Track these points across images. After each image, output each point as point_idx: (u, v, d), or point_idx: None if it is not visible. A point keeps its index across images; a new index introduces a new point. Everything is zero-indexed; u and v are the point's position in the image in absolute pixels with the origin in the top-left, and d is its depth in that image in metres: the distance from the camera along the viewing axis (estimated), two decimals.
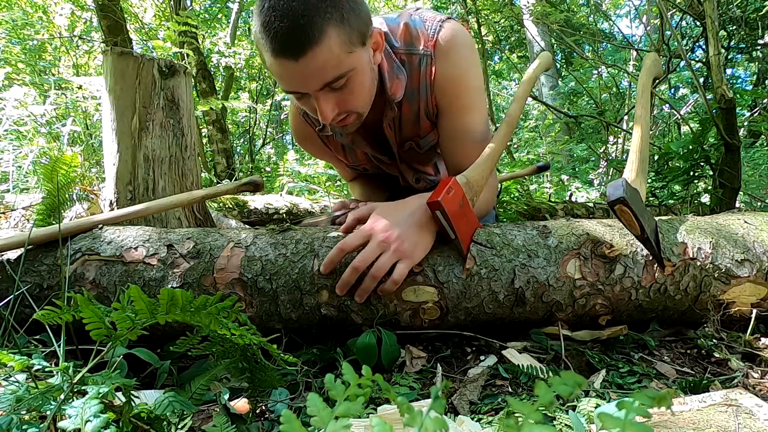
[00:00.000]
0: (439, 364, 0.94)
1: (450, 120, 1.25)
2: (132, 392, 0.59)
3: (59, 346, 0.79)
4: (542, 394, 0.33)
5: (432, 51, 1.18)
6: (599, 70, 5.61)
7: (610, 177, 4.48)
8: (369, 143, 1.37)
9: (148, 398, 0.74)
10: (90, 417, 0.49)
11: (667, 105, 4.44)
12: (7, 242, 0.96)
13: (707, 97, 2.41)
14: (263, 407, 0.79)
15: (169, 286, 0.94)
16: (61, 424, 0.50)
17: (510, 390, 0.84)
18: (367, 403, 0.74)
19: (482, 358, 0.97)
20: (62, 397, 0.55)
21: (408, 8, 1.31)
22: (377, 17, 1.20)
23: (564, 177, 5.23)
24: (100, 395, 0.53)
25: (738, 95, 2.56)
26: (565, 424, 0.68)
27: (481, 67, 1.28)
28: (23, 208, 1.85)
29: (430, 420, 0.34)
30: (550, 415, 0.71)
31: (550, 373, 0.88)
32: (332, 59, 0.96)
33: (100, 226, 1.05)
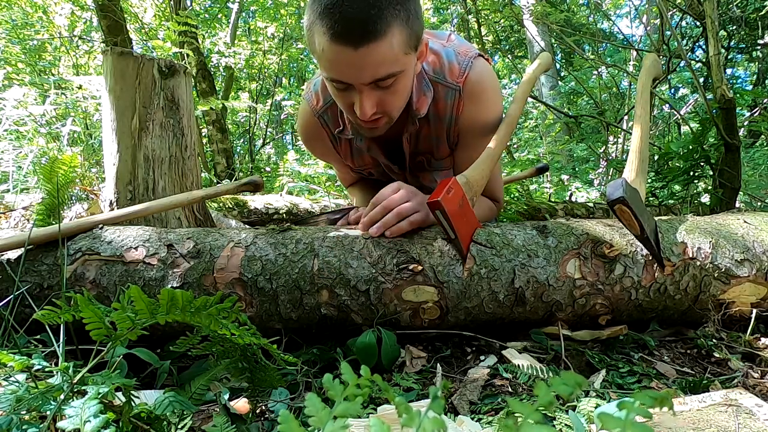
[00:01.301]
0: (439, 364, 0.94)
1: (470, 149, 1.29)
2: (132, 392, 0.59)
3: (59, 346, 0.79)
4: (542, 394, 0.33)
5: (461, 87, 1.22)
6: (599, 70, 5.61)
7: (610, 177, 4.47)
8: (383, 152, 1.37)
9: (148, 398, 0.74)
10: (89, 417, 0.49)
11: (667, 105, 4.44)
12: (7, 242, 0.96)
13: (707, 97, 2.41)
14: (263, 407, 0.79)
15: (169, 286, 0.94)
16: (60, 424, 0.50)
17: (510, 390, 0.84)
18: (366, 403, 0.74)
19: (482, 358, 0.97)
20: (62, 397, 0.55)
21: (446, 32, 1.33)
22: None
23: (564, 177, 5.23)
24: (100, 395, 0.53)
25: (738, 95, 2.56)
26: (565, 424, 0.68)
27: (502, 101, 1.35)
28: (23, 208, 1.85)
29: (428, 420, 0.34)
30: (550, 415, 0.71)
31: (550, 373, 0.88)
32: (390, 56, 0.97)
33: (100, 226, 1.05)
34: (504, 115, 1.27)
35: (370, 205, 1.05)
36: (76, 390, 0.57)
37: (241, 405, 0.76)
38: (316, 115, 1.37)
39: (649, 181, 2.49)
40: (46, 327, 0.82)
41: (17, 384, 0.58)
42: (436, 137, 1.30)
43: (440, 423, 0.34)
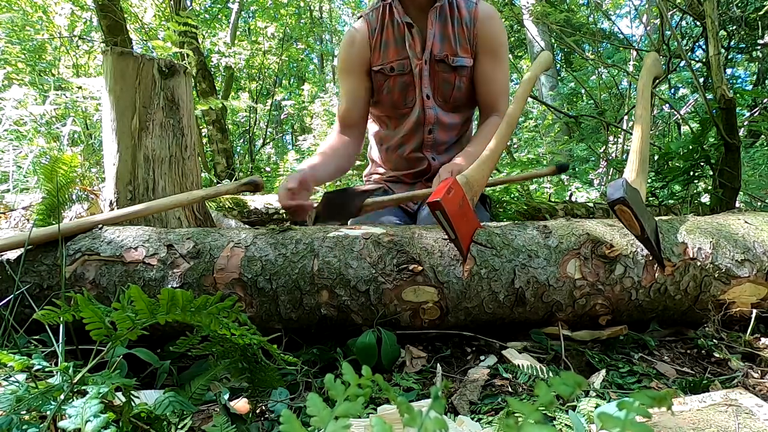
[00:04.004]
0: (439, 364, 0.94)
1: (487, 62, 1.55)
2: (132, 392, 0.59)
3: (59, 346, 0.79)
4: (542, 394, 0.33)
5: (477, 2, 1.56)
6: (599, 70, 5.60)
7: (610, 177, 4.47)
8: (411, 33, 1.53)
9: (148, 398, 0.74)
10: (90, 417, 0.49)
11: (667, 105, 4.44)
12: (7, 242, 0.96)
13: (707, 97, 2.41)
14: (263, 407, 0.79)
15: (169, 286, 0.94)
16: (61, 423, 0.50)
17: (510, 390, 0.84)
18: (367, 403, 0.74)
19: (482, 358, 0.97)
20: (62, 397, 0.55)
21: None
22: None
23: (564, 177, 5.22)
24: (100, 395, 0.53)
25: (738, 95, 2.56)
26: (565, 424, 0.68)
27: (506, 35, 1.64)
28: (23, 208, 1.85)
29: (429, 420, 0.34)
30: (550, 415, 0.71)
31: (550, 373, 0.88)
32: None
33: (99, 226, 1.05)
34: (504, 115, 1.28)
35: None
36: (76, 390, 0.57)
37: (241, 405, 0.76)
38: (362, 16, 1.63)
39: (649, 181, 2.49)
40: (46, 327, 0.82)
41: (17, 384, 0.58)
42: (459, 37, 1.54)
43: (442, 423, 0.34)
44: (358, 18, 1.65)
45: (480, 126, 1.63)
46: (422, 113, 1.59)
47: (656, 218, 1.08)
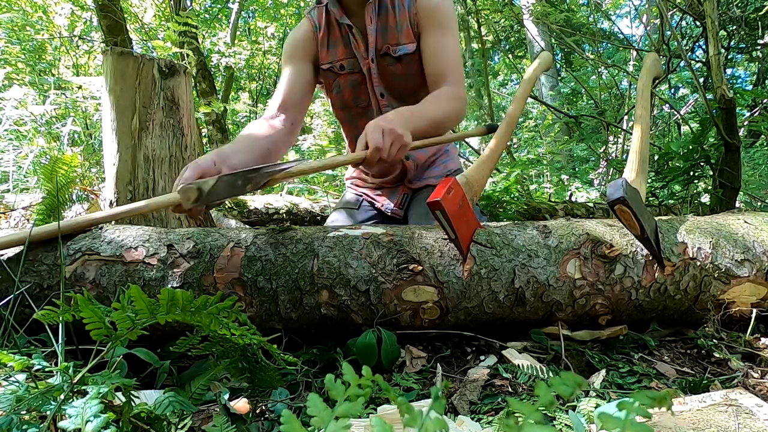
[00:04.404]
0: (439, 364, 0.94)
1: (430, 36, 1.45)
2: (132, 392, 0.59)
3: (59, 346, 0.79)
4: (542, 394, 0.33)
5: None
6: (599, 70, 5.60)
7: (610, 177, 4.47)
8: (352, 25, 1.47)
9: (148, 398, 0.74)
10: (90, 417, 0.49)
11: (667, 105, 4.44)
12: (7, 240, 0.96)
13: (707, 97, 2.41)
14: (263, 407, 0.79)
15: (169, 286, 0.94)
16: (61, 423, 0.50)
17: (510, 390, 0.84)
18: (366, 404, 0.74)
19: (482, 358, 0.97)
20: (62, 397, 0.55)
21: None
22: None
23: (564, 177, 5.23)
24: (100, 395, 0.53)
25: (738, 95, 2.56)
26: (565, 424, 0.68)
27: (453, 6, 1.56)
28: (23, 208, 1.85)
29: (430, 420, 0.34)
30: (550, 415, 0.71)
31: (550, 373, 0.88)
32: None
33: (99, 226, 1.05)
34: (504, 115, 1.27)
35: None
36: (76, 390, 0.57)
37: (241, 405, 0.76)
38: (306, 14, 1.57)
39: (649, 181, 2.49)
40: (46, 327, 0.82)
41: (17, 384, 0.58)
42: (401, 23, 1.46)
43: (442, 424, 0.34)
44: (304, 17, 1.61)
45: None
46: (379, 113, 1.52)
47: (656, 218, 1.08)
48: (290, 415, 0.36)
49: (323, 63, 1.54)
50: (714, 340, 1.01)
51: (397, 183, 1.66)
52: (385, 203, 1.66)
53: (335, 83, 1.54)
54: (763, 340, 1.04)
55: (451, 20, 1.48)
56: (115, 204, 1.39)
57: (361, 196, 1.73)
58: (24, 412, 0.55)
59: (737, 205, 2.43)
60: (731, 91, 2.01)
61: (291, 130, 1.47)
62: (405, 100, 1.49)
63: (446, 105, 1.38)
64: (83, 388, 0.56)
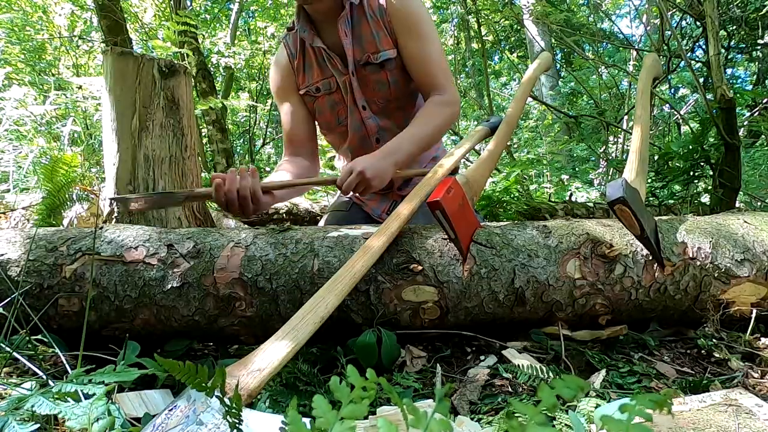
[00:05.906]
0: (439, 364, 0.94)
1: (409, 43, 1.44)
2: (132, 392, 0.59)
3: (60, 346, 0.79)
4: (545, 397, 0.33)
5: None
6: (599, 70, 5.60)
7: (610, 177, 4.47)
8: (326, 46, 1.46)
9: (149, 398, 0.74)
10: (97, 416, 0.49)
11: (667, 105, 4.44)
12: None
13: (707, 97, 2.41)
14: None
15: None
16: (68, 423, 0.50)
17: (510, 390, 0.84)
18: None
19: (482, 358, 0.97)
20: (63, 396, 0.55)
21: None
22: None
23: (564, 177, 5.22)
24: (104, 396, 0.53)
25: (738, 95, 2.56)
26: (565, 424, 0.68)
27: (425, 8, 1.53)
28: (23, 208, 1.85)
29: (435, 422, 0.34)
30: (550, 415, 0.71)
31: (550, 374, 0.88)
32: None
33: (100, 226, 1.05)
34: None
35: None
36: (80, 390, 0.57)
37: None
38: (282, 39, 1.57)
39: (649, 181, 2.49)
40: (42, 328, 0.82)
41: (18, 385, 0.58)
42: (377, 32, 1.44)
43: (447, 425, 0.34)
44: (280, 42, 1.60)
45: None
46: (362, 126, 1.53)
47: (656, 218, 1.08)
48: (296, 415, 0.36)
49: (301, 88, 1.55)
50: (714, 340, 1.01)
51: (386, 191, 1.66)
52: (373, 207, 1.67)
53: (315, 106, 1.56)
54: (763, 340, 1.04)
55: (426, 24, 1.45)
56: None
57: (351, 199, 1.73)
58: (23, 412, 0.55)
59: (737, 205, 2.43)
60: (731, 91, 2.01)
61: (312, 161, 1.59)
62: (388, 110, 1.51)
63: (437, 117, 1.41)
64: (84, 387, 0.56)
